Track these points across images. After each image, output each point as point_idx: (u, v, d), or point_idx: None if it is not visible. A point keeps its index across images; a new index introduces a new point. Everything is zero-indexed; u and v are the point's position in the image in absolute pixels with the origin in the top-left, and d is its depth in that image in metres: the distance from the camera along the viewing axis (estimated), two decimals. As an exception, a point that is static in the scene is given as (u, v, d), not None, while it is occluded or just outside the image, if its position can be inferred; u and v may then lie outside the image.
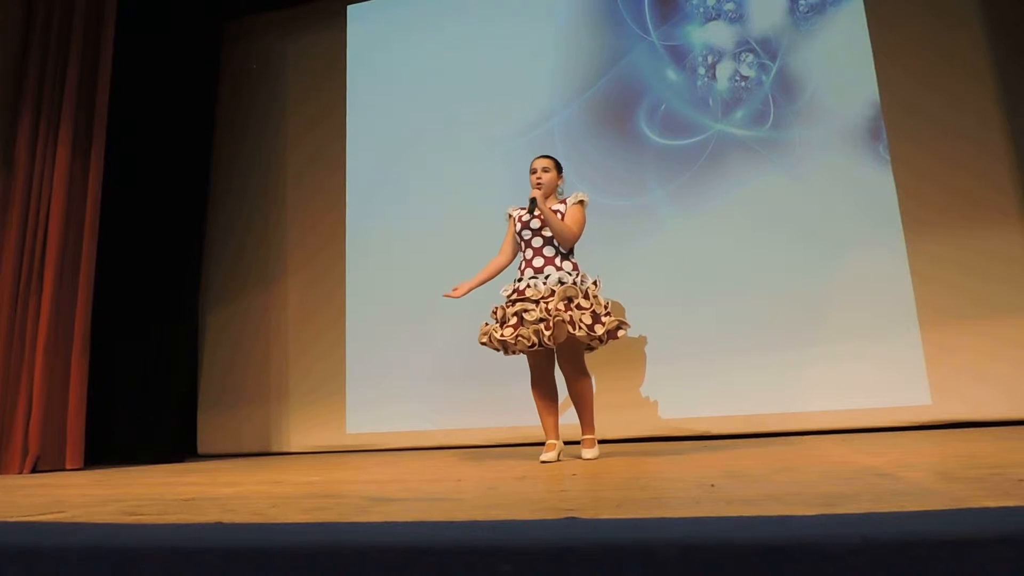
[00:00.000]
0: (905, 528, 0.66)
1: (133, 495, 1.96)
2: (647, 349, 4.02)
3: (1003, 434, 2.86)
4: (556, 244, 2.79)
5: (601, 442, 3.89)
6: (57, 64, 4.05)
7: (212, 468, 3.31)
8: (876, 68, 4.01)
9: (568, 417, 4.03)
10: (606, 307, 2.70)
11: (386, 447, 4.30)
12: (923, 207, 3.81)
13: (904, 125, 3.92)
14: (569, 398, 2.82)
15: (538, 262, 2.77)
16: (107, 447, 4.21)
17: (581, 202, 2.87)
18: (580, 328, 2.59)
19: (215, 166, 5.24)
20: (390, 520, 1.23)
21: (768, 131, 4.12)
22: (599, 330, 2.62)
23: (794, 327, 3.84)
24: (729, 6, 4.34)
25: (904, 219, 3.82)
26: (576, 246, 2.88)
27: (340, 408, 4.56)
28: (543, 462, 2.58)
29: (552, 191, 2.90)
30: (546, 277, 2.72)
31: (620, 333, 2.69)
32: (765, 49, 4.23)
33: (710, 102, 4.25)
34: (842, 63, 4.08)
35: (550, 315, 2.57)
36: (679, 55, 4.37)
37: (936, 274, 3.72)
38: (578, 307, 2.64)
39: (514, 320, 2.68)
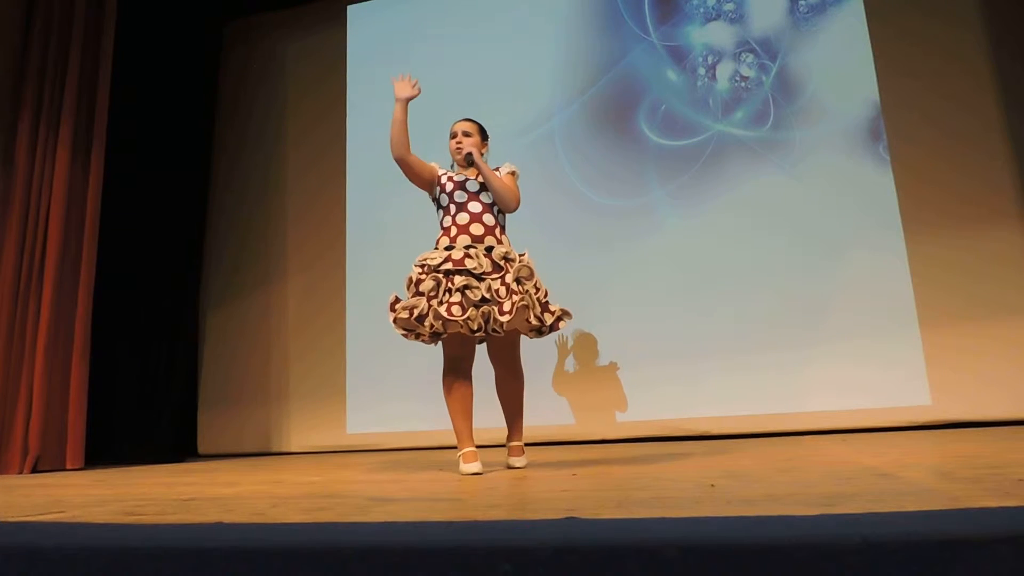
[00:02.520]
0: (905, 528, 0.66)
1: (133, 495, 1.96)
2: (647, 349, 4.01)
3: (1003, 434, 2.86)
4: (495, 212, 2.39)
5: (601, 442, 3.90)
6: (57, 64, 4.04)
7: (212, 468, 3.31)
8: (876, 68, 4.01)
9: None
10: (546, 293, 2.37)
11: (386, 447, 4.30)
12: (923, 208, 3.81)
13: (904, 125, 3.92)
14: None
15: (477, 229, 2.33)
16: (107, 447, 4.21)
17: (513, 173, 2.48)
18: (533, 317, 2.25)
19: (215, 166, 5.24)
20: (390, 520, 1.23)
21: (768, 131, 4.12)
22: (548, 319, 2.28)
23: (794, 327, 3.84)
24: (729, 6, 4.34)
25: (904, 220, 3.82)
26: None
27: (340, 408, 4.56)
28: (473, 474, 2.17)
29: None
30: (488, 248, 2.30)
31: (561, 324, 2.34)
32: (765, 49, 4.23)
33: (710, 102, 4.25)
34: (842, 63, 4.08)
35: (499, 296, 2.19)
36: (679, 55, 4.37)
37: (936, 274, 3.72)
38: (527, 293, 2.27)
39: (458, 296, 2.19)
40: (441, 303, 2.19)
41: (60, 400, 3.75)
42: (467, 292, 2.20)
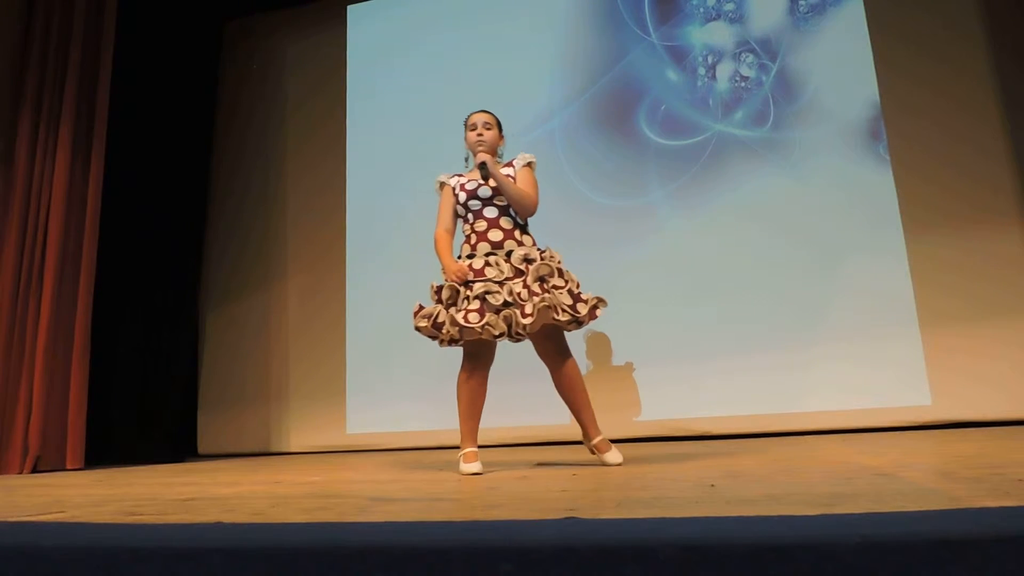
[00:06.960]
0: (905, 528, 0.66)
1: (133, 495, 1.96)
2: (647, 349, 4.01)
3: (1003, 434, 2.86)
4: (513, 214, 2.41)
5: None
6: (57, 64, 4.04)
7: (212, 468, 3.31)
8: (876, 69, 4.01)
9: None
10: (577, 284, 2.36)
11: (386, 447, 4.30)
12: (923, 208, 3.81)
13: (904, 126, 3.92)
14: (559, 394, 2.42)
15: (495, 235, 2.36)
16: (107, 447, 4.21)
17: (530, 164, 2.50)
18: (562, 312, 2.23)
19: (216, 166, 5.25)
20: (390, 520, 1.23)
21: (768, 132, 4.12)
22: (582, 309, 2.26)
23: (794, 327, 3.84)
24: (729, 6, 4.34)
25: (904, 220, 3.82)
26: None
27: (340, 408, 4.56)
28: (473, 474, 2.18)
29: (494, 152, 2.52)
30: (508, 253, 2.33)
31: (599, 312, 2.32)
32: (765, 49, 4.23)
33: (710, 102, 4.25)
34: (842, 63, 4.08)
35: (521, 299, 2.21)
36: (679, 55, 4.37)
37: (936, 275, 3.72)
38: (554, 287, 2.28)
39: (477, 304, 2.24)
40: (459, 310, 2.25)
41: (60, 400, 3.75)
42: (488, 298, 2.23)
